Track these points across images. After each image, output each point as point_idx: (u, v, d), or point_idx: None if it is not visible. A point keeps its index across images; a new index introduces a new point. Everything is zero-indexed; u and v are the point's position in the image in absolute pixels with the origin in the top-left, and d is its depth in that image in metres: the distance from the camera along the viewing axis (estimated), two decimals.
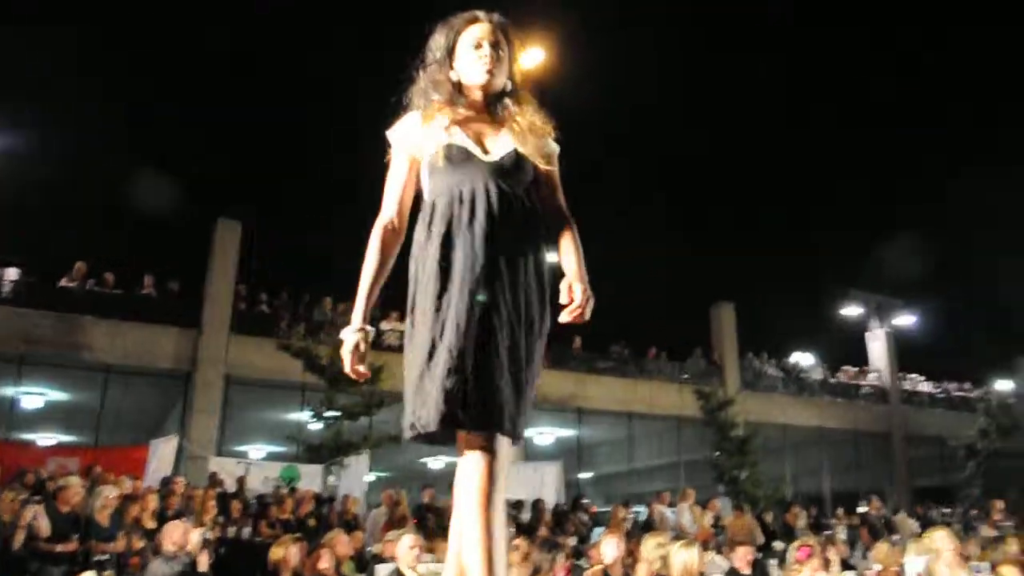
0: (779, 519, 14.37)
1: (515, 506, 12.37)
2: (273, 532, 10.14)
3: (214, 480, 12.58)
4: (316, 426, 15.55)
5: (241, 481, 12.92)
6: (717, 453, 19.63)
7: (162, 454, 13.76)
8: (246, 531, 10.18)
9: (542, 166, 2.58)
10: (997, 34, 33.41)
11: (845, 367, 26.66)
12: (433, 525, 11.18)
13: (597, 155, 27.10)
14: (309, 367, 15.21)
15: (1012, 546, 9.01)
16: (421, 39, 2.68)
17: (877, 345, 27.10)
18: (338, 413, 14.93)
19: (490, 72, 2.57)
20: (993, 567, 8.91)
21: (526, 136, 2.55)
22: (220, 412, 17.74)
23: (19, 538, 7.73)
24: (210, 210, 19.81)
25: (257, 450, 20.78)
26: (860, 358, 27.11)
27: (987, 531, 13.20)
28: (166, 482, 11.18)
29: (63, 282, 17.59)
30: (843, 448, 25.25)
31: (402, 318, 14.36)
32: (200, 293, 18.55)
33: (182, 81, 27.84)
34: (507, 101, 2.62)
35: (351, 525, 10.57)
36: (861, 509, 16.48)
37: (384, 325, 19.20)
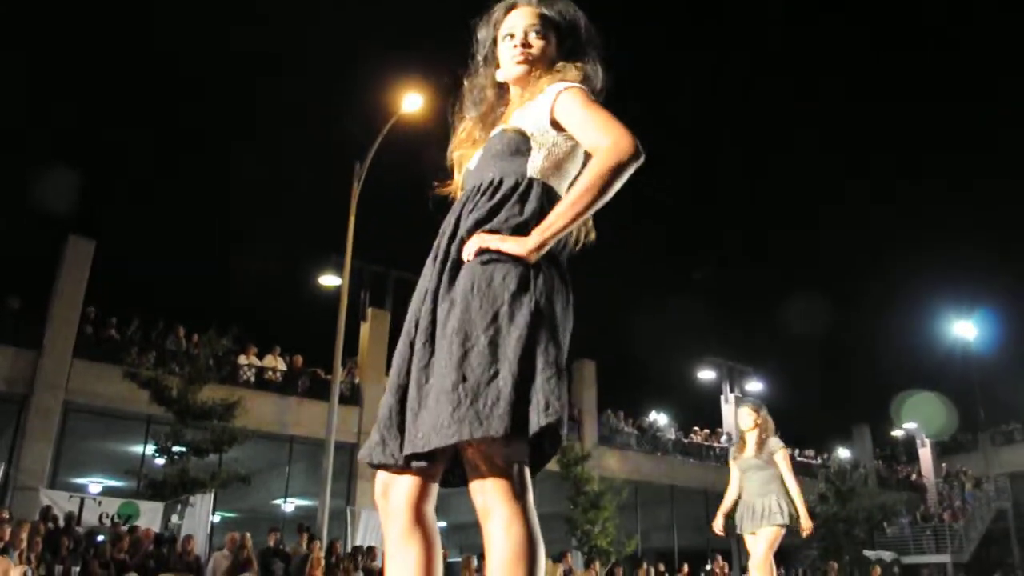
0: (628, 574, 14.57)
1: (367, 553, 12.06)
2: (107, 573, 9.52)
3: (45, 514, 11.72)
4: (160, 461, 14.76)
5: (73, 517, 12.08)
6: (572, 507, 19.81)
7: None
8: (75, 570, 9.49)
9: (537, 124, 2.15)
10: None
11: (697, 428, 27.56)
12: (279, 571, 10.77)
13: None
14: (157, 398, 14.48)
15: None
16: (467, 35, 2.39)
17: (729, 408, 28.17)
18: (185, 449, 14.25)
19: (522, 64, 2.25)
20: None
21: (509, 118, 2.24)
22: (56, 441, 16.55)
23: None
24: (62, 226, 18.78)
25: (94, 483, 19.55)
26: (715, 420, 28.11)
27: None
28: None
29: None
30: (693, 506, 25.96)
31: (261, 355, 13.95)
32: (43, 312, 17.39)
33: (46, 91, 26.51)
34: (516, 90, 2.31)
35: (192, 568, 10.04)
36: (708, 567, 16.93)
37: (241, 360, 18.56)
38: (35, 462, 15.88)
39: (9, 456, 15.83)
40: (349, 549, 13.23)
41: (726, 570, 16.89)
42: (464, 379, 1.86)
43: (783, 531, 5.79)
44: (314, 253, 19.27)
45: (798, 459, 29.36)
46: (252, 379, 18.63)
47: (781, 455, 6.07)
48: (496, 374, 1.86)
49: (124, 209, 26.71)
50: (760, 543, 5.81)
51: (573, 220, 2.01)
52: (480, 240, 2.01)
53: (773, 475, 5.96)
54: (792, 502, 5.81)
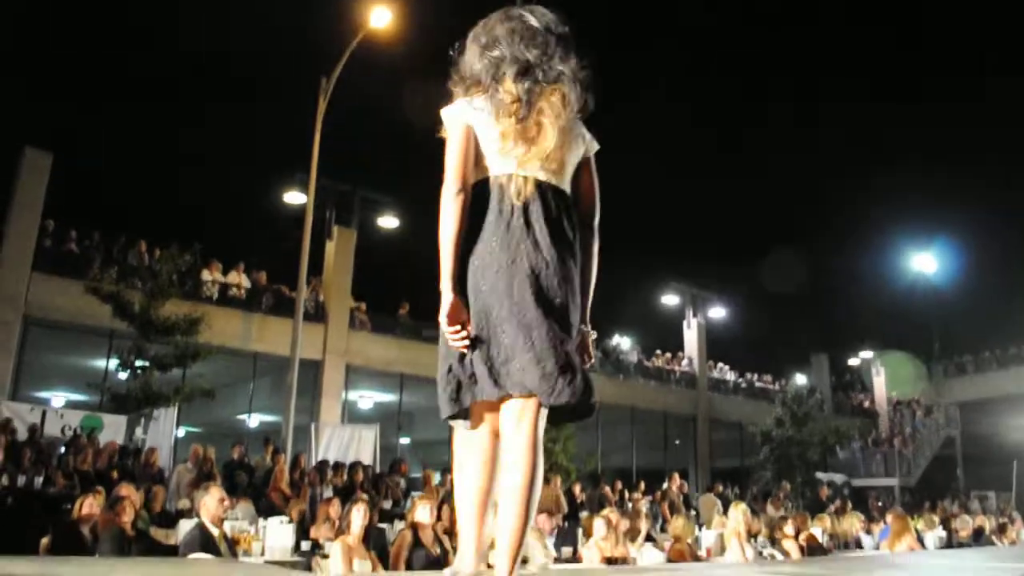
0: (588, 491, 14.93)
1: (334, 468, 12.22)
2: (69, 483, 9.57)
3: (5, 426, 11.69)
4: (123, 375, 14.72)
5: (35, 429, 12.06)
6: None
7: None
8: (38, 480, 9.53)
9: None
10: None
11: (659, 352, 27.98)
12: (242, 482, 10.90)
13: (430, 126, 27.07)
14: (119, 313, 14.37)
15: (792, 525, 9.80)
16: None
17: (691, 334, 28.58)
18: (148, 363, 14.22)
19: None
20: (774, 543, 9.70)
21: None
22: (16, 354, 16.40)
23: None
24: (17, 138, 18.26)
25: (57, 397, 19.45)
26: (676, 345, 28.53)
27: (773, 511, 14.21)
28: None
29: None
30: (652, 428, 26.54)
31: (225, 271, 13.86)
32: (0, 225, 17.05)
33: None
34: None
35: (155, 479, 10.12)
36: (664, 485, 17.38)
37: (205, 276, 18.41)
38: None
39: None
40: (313, 464, 13.39)
41: (684, 488, 17.35)
42: None
43: None
44: (279, 170, 18.97)
45: (756, 384, 30.04)
46: (216, 295, 18.51)
47: None
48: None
49: (83, 122, 25.96)
50: None
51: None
52: None
53: None
54: None
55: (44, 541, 6.64)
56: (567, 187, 2.40)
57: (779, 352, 31.57)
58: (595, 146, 2.49)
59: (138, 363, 14.21)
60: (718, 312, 28.90)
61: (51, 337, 17.37)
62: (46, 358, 18.10)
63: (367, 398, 22.51)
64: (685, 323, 28.71)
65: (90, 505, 6.84)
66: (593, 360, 2.38)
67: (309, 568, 6.59)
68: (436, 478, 13.19)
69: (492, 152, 2.35)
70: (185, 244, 15.62)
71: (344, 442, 15.56)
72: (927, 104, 40.58)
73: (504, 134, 2.33)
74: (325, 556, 6.86)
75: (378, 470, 14.27)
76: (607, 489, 14.98)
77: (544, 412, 2.27)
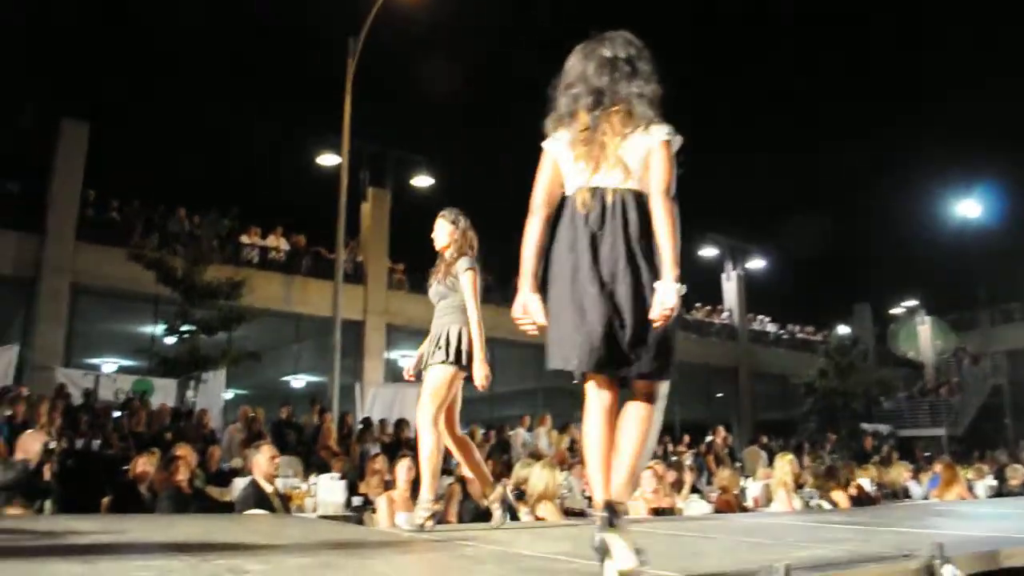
0: None
1: (380, 424, 12.40)
2: (124, 445, 9.81)
3: (61, 392, 11.98)
4: (170, 340, 14.99)
5: (89, 393, 12.36)
6: (575, 381, 20.18)
7: (1, 364, 12.96)
8: (95, 443, 9.78)
9: None
10: None
11: (699, 305, 27.81)
12: (292, 441, 11.09)
13: (463, 84, 26.86)
14: (163, 279, 14.59)
15: (840, 475, 9.73)
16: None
17: (730, 286, 28.36)
18: (193, 327, 14.45)
19: None
20: (823, 494, 9.65)
21: None
22: (67, 322, 16.78)
23: None
24: (55, 109, 18.47)
25: (108, 363, 19.88)
26: (715, 297, 28.33)
27: (819, 461, 14.15)
28: (6, 392, 10.58)
29: None
30: (694, 381, 26.47)
31: (264, 235, 13.99)
32: (43, 196, 17.34)
33: None
34: None
35: (207, 440, 10.33)
36: (708, 438, 17.36)
37: (244, 240, 18.60)
38: (49, 343, 16.16)
39: (23, 337, 16.09)
40: (359, 422, 13.58)
41: (728, 441, 17.32)
42: None
43: (449, 372, 4.50)
44: (313, 133, 19.00)
45: (798, 335, 29.78)
46: (256, 259, 18.73)
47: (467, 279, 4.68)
48: None
49: (117, 91, 26.17)
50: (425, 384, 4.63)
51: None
52: None
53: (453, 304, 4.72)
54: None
55: (105, 500, 6.83)
56: (632, 185, 2.79)
57: (821, 303, 31.20)
58: (660, 135, 2.81)
59: (184, 328, 14.45)
60: (757, 263, 28.60)
61: (99, 304, 17.71)
62: (95, 325, 18.48)
63: (409, 357, 22.61)
64: (724, 275, 28.48)
65: (144, 464, 7.00)
66: (665, 311, 2.64)
67: (361, 522, 6.71)
68: (479, 434, 13.32)
69: (569, 173, 2.86)
70: (224, 209, 15.78)
71: (388, 401, 15.75)
72: (972, 46, 39.40)
73: (576, 157, 2.83)
74: (375, 511, 6.97)
75: None
76: None
77: (601, 381, 2.78)
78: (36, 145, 18.53)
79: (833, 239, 29.52)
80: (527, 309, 2.80)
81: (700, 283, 28.71)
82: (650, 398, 2.80)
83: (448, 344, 4.54)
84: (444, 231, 4.90)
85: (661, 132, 2.81)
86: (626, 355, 2.68)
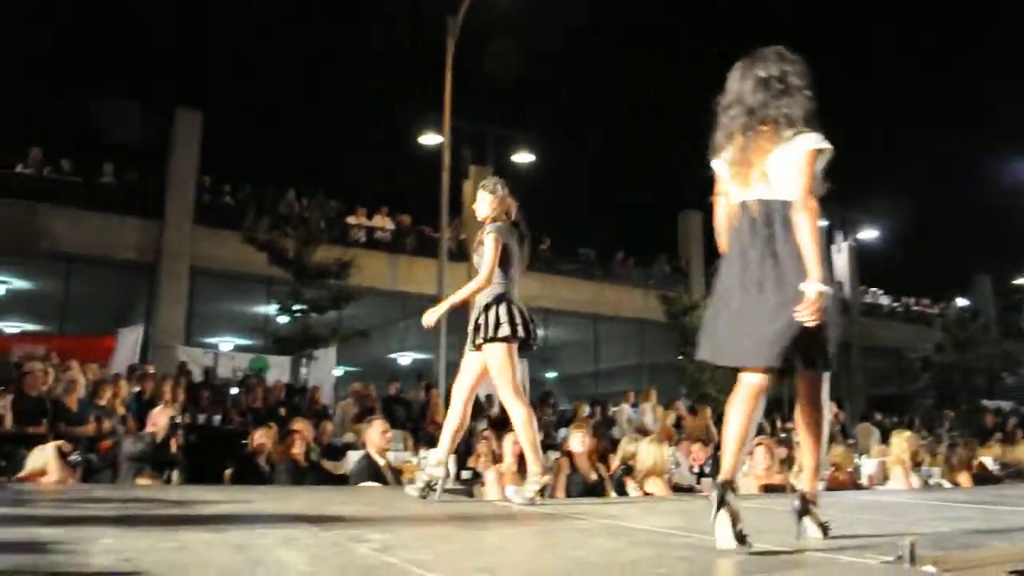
0: None
1: (486, 400, 12.53)
2: (243, 420, 10.21)
3: (183, 369, 12.56)
4: (283, 319, 15.51)
5: (209, 371, 12.92)
6: (680, 357, 19.98)
7: (128, 343, 13.67)
8: (216, 418, 10.22)
9: None
10: None
11: None
12: (401, 416, 11.32)
13: (563, 54, 26.64)
14: (275, 260, 15.08)
15: (961, 454, 9.34)
16: None
17: (840, 258, 27.42)
18: (305, 307, 14.90)
19: None
20: (943, 472, 9.28)
21: None
22: (187, 303, 17.60)
23: None
24: (169, 99, 19.27)
25: (225, 342, 20.75)
26: (826, 270, 27.41)
27: (935, 439, 13.64)
28: (133, 369, 11.14)
29: (19, 168, 17.10)
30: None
31: (369, 215, 14.26)
32: (161, 183, 18.15)
33: None
34: None
35: (320, 415, 10.66)
36: None
37: (351, 220, 19.03)
38: (170, 323, 17.00)
39: (146, 318, 16.95)
40: None
41: (840, 417, 16.83)
42: None
43: (504, 348, 4.54)
44: (415, 113, 19.22)
45: (913, 308, 28.62)
46: (363, 239, 19.15)
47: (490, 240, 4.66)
48: None
49: (228, 79, 27.00)
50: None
51: None
52: None
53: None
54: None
55: (227, 472, 7.14)
56: (776, 196, 2.99)
57: (937, 274, 29.84)
58: (804, 145, 2.98)
59: (296, 307, 14.92)
60: (869, 233, 27.55)
61: (215, 286, 18.47)
62: (212, 306, 19.28)
63: None
64: (834, 247, 27.55)
65: (261, 437, 7.26)
66: (812, 310, 2.78)
67: (471, 495, 6.82)
68: (585, 410, 13.32)
69: (730, 189, 3.15)
70: (331, 191, 16.18)
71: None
72: None
73: (732, 175, 3.11)
74: (484, 484, 7.07)
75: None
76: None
77: (754, 375, 2.96)
78: (153, 135, 19.38)
79: (950, 206, 28.20)
80: None
81: None
82: (816, 390, 3.15)
83: (487, 323, 4.58)
84: (484, 201, 4.91)
85: (805, 142, 2.99)
86: (782, 353, 2.87)
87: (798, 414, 3.20)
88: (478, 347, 4.69)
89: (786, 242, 2.94)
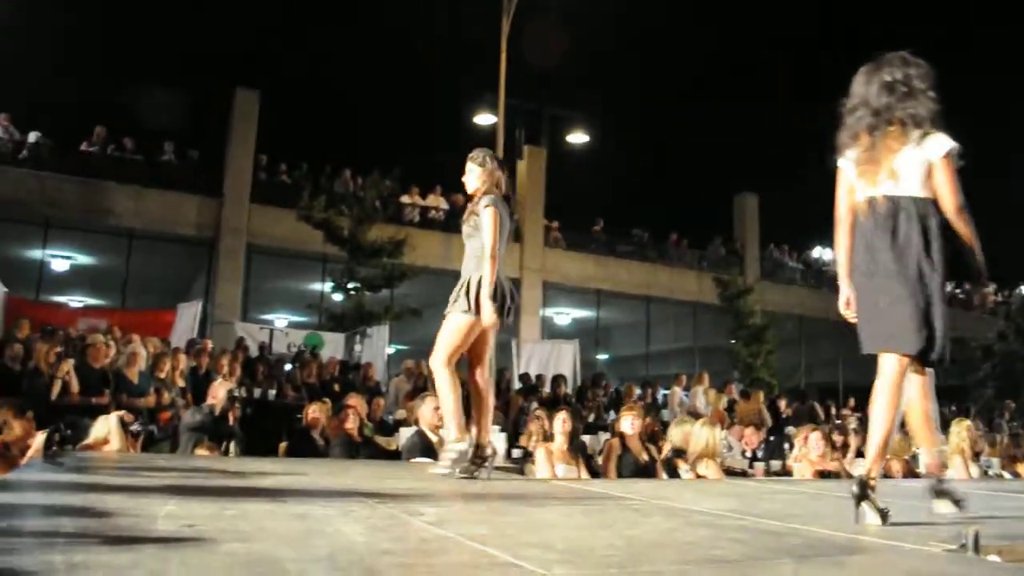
0: (794, 406, 14.56)
1: (536, 380, 12.56)
2: (297, 395, 10.37)
3: (240, 344, 12.80)
4: (338, 296, 15.70)
5: (265, 346, 13.14)
6: (733, 340, 19.78)
7: (188, 318, 13.96)
8: (271, 393, 10.39)
9: None
10: None
11: None
12: None
13: (618, 33, 26.37)
14: (330, 238, 15.24)
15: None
16: None
17: None
18: (359, 284, 15.05)
19: None
20: (1003, 463, 9.06)
21: None
22: (243, 280, 17.91)
23: (56, 389, 7.97)
24: (227, 79, 19.53)
25: (280, 319, 21.09)
26: None
27: (997, 430, 13.32)
28: (192, 344, 11.37)
29: (83, 146, 17.50)
30: (859, 342, 25.26)
31: (423, 195, 14.31)
32: (220, 161, 18.45)
33: None
34: None
35: (373, 392, 10.77)
36: None
37: (405, 199, 19.13)
38: (228, 299, 17.33)
39: (205, 294, 17.30)
40: (517, 378, 13.81)
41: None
42: None
43: (466, 321, 4.41)
44: (469, 92, 19.24)
45: (975, 296, 27.84)
46: (416, 218, 19.25)
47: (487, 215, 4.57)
48: None
49: (284, 60, 27.28)
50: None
51: None
52: None
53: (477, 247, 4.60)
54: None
55: (282, 445, 7.27)
56: (909, 192, 3.15)
57: (1001, 259, 28.95)
58: (936, 150, 3.13)
59: (350, 285, 15.08)
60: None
61: (271, 263, 18.75)
62: (268, 283, 19.59)
63: (564, 314, 22.85)
64: None
65: (316, 412, 7.37)
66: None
67: (522, 473, 6.85)
68: (636, 391, 13.26)
69: (857, 187, 3.28)
70: (386, 170, 16.27)
71: (545, 357, 15.90)
72: None
73: (860, 172, 3.26)
74: (534, 462, 7.10)
75: (579, 383, 14.54)
76: (815, 404, 14.54)
77: (893, 359, 3.15)
78: (213, 114, 19.70)
79: (1017, 190, 27.26)
80: (849, 303, 3.36)
81: None
82: (928, 380, 3.43)
83: (469, 293, 4.44)
84: (473, 174, 4.82)
85: (936, 146, 3.14)
86: (915, 341, 3.07)
87: (888, 399, 3.20)
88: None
89: (911, 235, 3.10)
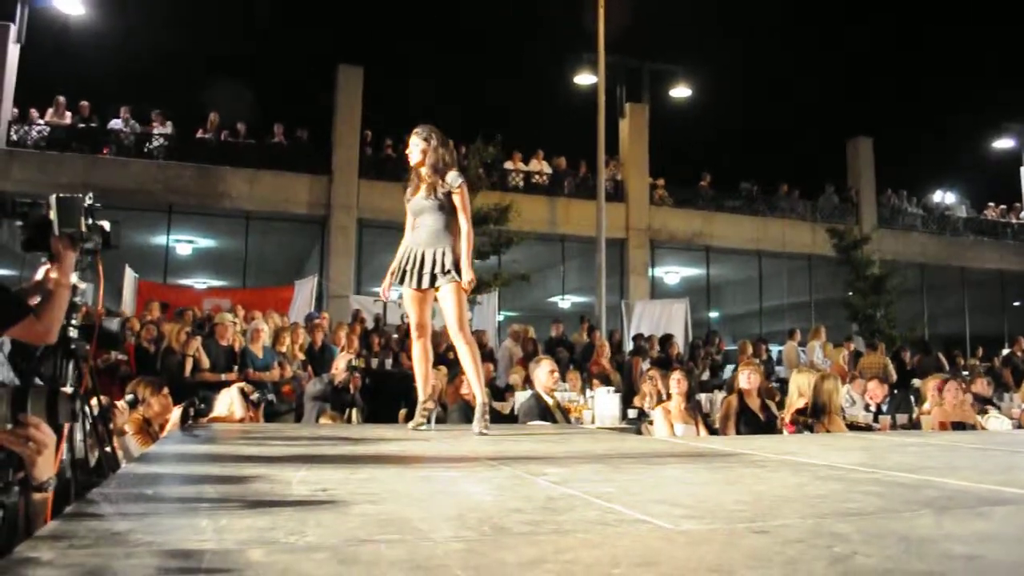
0: (919, 357, 14.01)
1: (646, 340, 12.47)
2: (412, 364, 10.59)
3: (357, 316, 13.15)
4: None
5: (379, 318, 13.46)
6: (850, 293, 19.12)
7: (305, 293, 14.42)
8: (388, 362, 10.65)
9: None
10: None
11: (991, 204, 25.08)
12: (564, 357, 11.43)
13: None
14: None
15: None
16: None
17: None
18: None
19: None
20: None
21: None
22: (356, 254, 18.36)
23: (188, 366, 8.40)
24: (329, 57, 19.89)
25: (393, 291, 21.50)
26: (1011, 195, 25.37)
27: None
28: (311, 318, 11.74)
29: (199, 134, 18.18)
30: (986, 289, 24.10)
31: (525, 160, 14.37)
32: (328, 140, 18.87)
33: None
34: None
35: (486, 358, 10.89)
36: (1005, 351, 15.84)
37: (508, 166, 19.15)
38: (341, 274, 17.81)
39: (320, 269, 17.83)
40: (628, 339, 13.74)
41: None
42: None
43: (459, 289, 4.80)
44: (568, 53, 19.03)
45: None
46: (521, 184, 19.27)
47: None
48: None
49: (387, 34, 27.59)
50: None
51: None
52: None
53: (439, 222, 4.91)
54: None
55: (402, 412, 7.45)
56: None
57: None
58: None
59: None
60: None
61: (381, 237, 19.08)
62: (379, 256, 19.97)
63: (673, 273, 22.55)
64: (1023, 168, 25.42)
65: (436, 378, 7.53)
66: None
67: (639, 433, 6.83)
68: (749, 349, 13.02)
69: None
70: (488, 137, 16.32)
71: (655, 317, 15.78)
72: None
73: None
74: (651, 422, 7.07)
75: (690, 341, 14.37)
76: (941, 356, 13.97)
77: None
78: (319, 92, 20.11)
79: None
80: None
81: (993, 178, 25.87)
82: None
83: (446, 264, 4.81)
84: (417, 148, 5.06)
85: None
86: None
87: None
88: (434, 288, 4.92)
89: None
